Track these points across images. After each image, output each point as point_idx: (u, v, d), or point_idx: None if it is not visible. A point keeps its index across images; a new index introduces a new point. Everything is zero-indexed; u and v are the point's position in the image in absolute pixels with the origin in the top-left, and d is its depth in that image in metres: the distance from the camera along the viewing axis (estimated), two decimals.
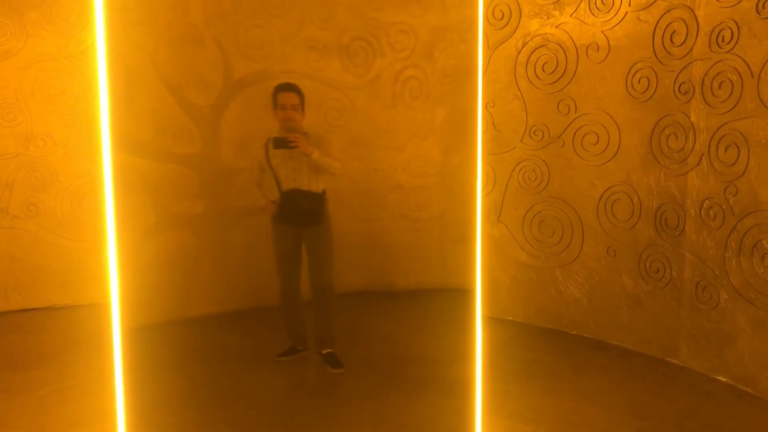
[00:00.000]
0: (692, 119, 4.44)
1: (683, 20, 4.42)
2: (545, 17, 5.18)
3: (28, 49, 5.57)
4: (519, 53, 5.33)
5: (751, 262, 4.09)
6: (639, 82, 4.74)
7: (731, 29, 4.14)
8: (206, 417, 3.74)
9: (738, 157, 4.14)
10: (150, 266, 5.14)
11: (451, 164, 6.36)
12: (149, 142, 5.18)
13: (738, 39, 4.10)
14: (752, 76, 4.03)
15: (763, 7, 3.93)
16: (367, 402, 3.95)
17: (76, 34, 5.69)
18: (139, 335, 4.71)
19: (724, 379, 4.32)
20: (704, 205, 4.40)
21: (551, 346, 5.03)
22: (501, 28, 5.38)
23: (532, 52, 5.28)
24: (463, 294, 5.79)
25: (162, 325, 5.09)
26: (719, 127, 4.26)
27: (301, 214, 4.35)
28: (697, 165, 4.43)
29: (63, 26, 5.65)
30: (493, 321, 5.46)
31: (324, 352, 4.50)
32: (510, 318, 5.58)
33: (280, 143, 4.20)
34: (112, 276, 2.04)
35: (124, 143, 5.06)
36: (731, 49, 4.15)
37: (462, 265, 5.76)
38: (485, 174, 5.55)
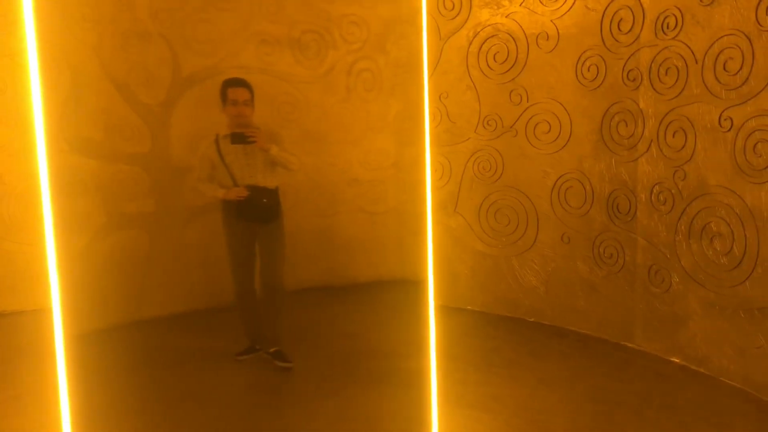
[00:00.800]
0: (641, 106, 4.50)
1: (629, 8, 4.48)
2: (495, 7, 5.19)
3: None
4: (471, 43, 5.34)
5: (701, 244, 4.18)
6: (588, 70, 4.79)
7: (675, 16, 4.20)
8: (162, 420, 3.67)
9: (685, 142, 4.22)
10: (102, 267, 5.03)
11: (406, 157, 6.35)
12: (98, 143, 5.05)
13: (682, 26, 4.17)
14: (696, 62, 4.11)
15: None
16: (326, 398, 3.93)
17: (17, 31, 5.49)
18: (91, 339, 4.63)
19: (677, 360, 4.41)
20: (654, 190, 4.47)
21: (510, 334, 5.07)
22: (452, 18, 5.38)
23: (484, 42, 5.29)
24: (420, 285, 5.82)
25: (116, 327, 4.99)
26: (667, 113, 4.33)
27: (259, 211, 4.25)
28: (647, 151, 4.50)
29: (2, 22, 5.44)
30: (451, 311, 5.48)
31: (272, 350, 4.46)
32: (469, 307, 5.60)
33: (238, 138, 4.07)
34: (53, 279, 1.97)
35: (72, 143, 4.93)
36: (676, 36, 4.21)
37: (418, 257, 5.78)
38: (441, 165, 5.56)
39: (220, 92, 4.22)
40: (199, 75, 5.44)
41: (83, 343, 4.43)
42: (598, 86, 4.75)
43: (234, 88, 4.18)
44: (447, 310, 5.45)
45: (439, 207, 5.59)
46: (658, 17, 4.32)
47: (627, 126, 4.61)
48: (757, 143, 3.77)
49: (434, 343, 3.04)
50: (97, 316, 4.86)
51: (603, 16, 4.64)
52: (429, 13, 5.92)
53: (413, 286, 5.98)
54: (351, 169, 6.31)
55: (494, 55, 5.26)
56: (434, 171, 5.54)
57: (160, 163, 5.27)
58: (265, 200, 4.24)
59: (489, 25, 5.26)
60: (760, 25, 3.71)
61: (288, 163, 4.29)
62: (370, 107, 6.31)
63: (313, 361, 4.50)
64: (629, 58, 4.54)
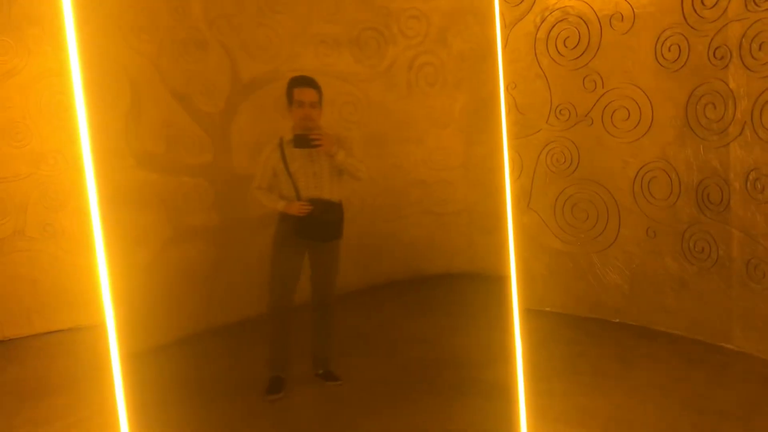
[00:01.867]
0: (731, 86, 4.12)
1: None
2: None
3: (32, 67, 5.41)
4: (538, 30, 5.04)
5: None
6: (669, 50, 4.43)
7: None
8: None
9: None
10: (170, 280, 4.98)
11: (474, 154, 6.11)
12: (160, 155, 4.99)
13: None
14: None
15: None
16: (403, 409, 3.73)
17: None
18: (163, 352, 4.58)
19: None
20: (750, 177, 4.09)
21: (594, 337, 4.76)
22: (517, 5, 5.09)
23: (552, 27, 4.98)
24: (497, 287, 5.58)
25: (187, 338, 4.94)
26: (762, 92, 3.94)
27: (323, 228, 3.91)
28: (740, 135, 4.12)
29: (65, 40, 5.49)
30: (529, 313, 5.19)
31: (321, 371, 4.21)
32: (547, 309, 5.31)
33: (302, 141, 3.77)
34: (105, 297, 1.87)
35: (138, 157, 4.89)
36: None
37: (494, 256, 5.54)
38: (511, 159, 5.28)
39: (286, 92, 3.92)
40: (259, 81, 5.33)
41: (143, 359, 4.39)
42: (681, 67, 4.38)
43: (301, 89, 3.86)
44: (524, 312, 5.14)
45: (512, 203, 5.32)
46: None
47: (716, 108, 4.23)
48: None
49: (521, 350, 2.80)
50: (167, 328, 4.82)
51: None
52: (492, 1, 5.66)
53: (487, 283, 5.76)
54: (415, 171, 6.11)
55: (564, 40, 4.95)
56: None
57: (223, 173, 5.19)
58: (330, 216, 3.91)
59: (557, 9, 4.95)
60: None
61: (356, 170, 3.95)
62: (433, 102, 6.10)
63: (387, 370, 4.32)
64: (716, 34, 4.16)
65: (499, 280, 5.68)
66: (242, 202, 5.20)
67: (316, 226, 3.89)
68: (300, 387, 4.13)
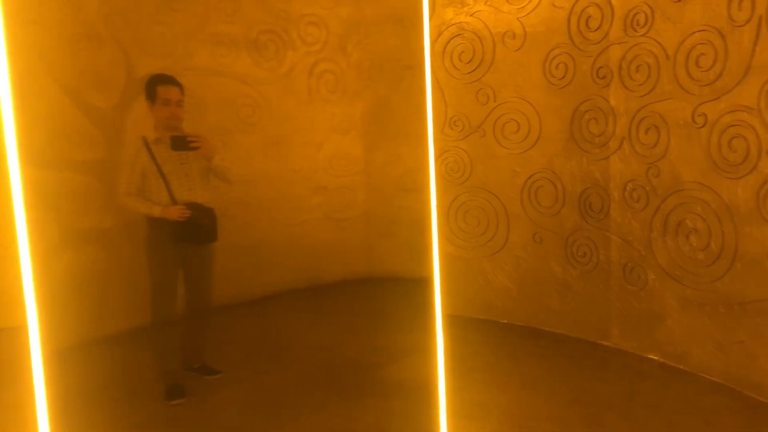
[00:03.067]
0: (612, 103, 4.48)
1: (598, 5, 4.46)
2: (460, 5, 5.11)
3: None
4: (435, 43, 5.24)
5: (677, 241, 4.18)
6: (557, 68, 4.75)
7: (645, 13, 4.19)
8: None
9: (658, 139, 4.22)
10: (58, 287, 4.71)
11: (375, 160, 6.23)
12: (44, 150, 4.72)
13: (653, 23, 4.16)
14: (668, 59, 4.10)
15: None
16: (308, 412, 3.76)
17: None
18: (52, 358, 4.33)
19: (656, 358, 4.40)
20: (627, 188, 4.46)
21: (485, 337, 4.99)
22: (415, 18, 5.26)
23: (449, 42, 5.20)
24: (392, 286, 5.70)
25: (77, 346, 4.69)
26: (639, 110, 4.32)
27: (200, 232, 3.83)
28: (619, 148, 4.49)
29: None
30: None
31: (197, 366, 4.23)
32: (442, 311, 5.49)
33: (180, 143, 3.66)
34: (28, 297, 1.78)
35: (24, 153, 4.59)
36: (646, 33, 4.21)
37: (390, 258, 5.66)
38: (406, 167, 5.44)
39: (147, 89, 3.78)
40: None
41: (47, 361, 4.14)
42: (567, 84, 4.71)
43: (166, 86, 3.76)
44: (419, 314, 5.33)
45: (409, 209, 5.48)
46: (627, 14, 4.30)
47: (598, 124, 4.59)
48: (732, 139, 3.78)
49: (442, 349, 2.93)
50: (59, 335, 4.56)
51: (570, 13, 4.61)
52: (394, 13, 5.82)
53: (382, 286, 5.90)
54: (316, 176, 6.14)
55: (459, 54, 5.18)
56: (403, 172, 5.43)
57: (116, 171, 4.97)
58: (207, 219, 3.85)
59: (453, 24, 5.17)
60: (733, 20, 3.71)
61: (228, 173, 3.97)
62: (333, 109, 6.17)
63: (290, 373, 4.32)
64: (599, 55, 4.51)
65: (395, 281, 5.84)
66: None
67: (194, 230, 3.80)
68: (202, 394, 4.06)
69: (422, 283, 5.42)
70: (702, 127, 3.96)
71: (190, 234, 3.80)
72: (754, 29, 3.61)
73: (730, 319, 3.90)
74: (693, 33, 3.94)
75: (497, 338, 4.95)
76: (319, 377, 4.28)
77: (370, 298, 5.91)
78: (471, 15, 5.08)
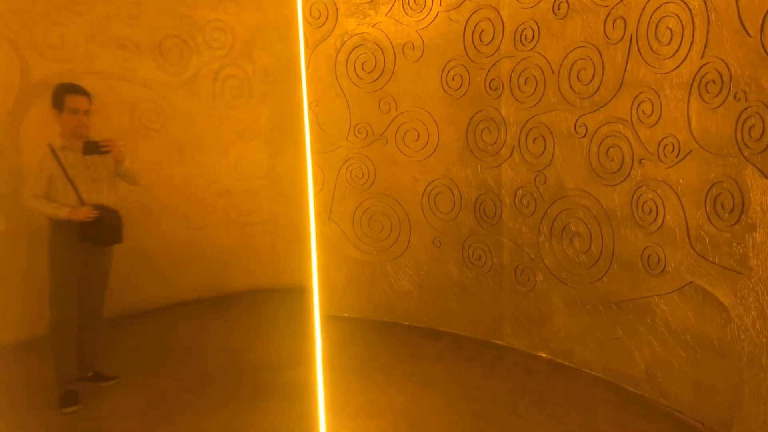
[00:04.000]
0: (503, 113, 4.72)
1: (490, 20, 4.68)
2: (361, 17, 5.25)
3: None
4: (338, 52, 5.36)
5: (562, 244, 4.44)
6: (453, 79, 4.95)
7: (533, 29, 4.45)
8: None
9: (545, 148, 4.48)
10: None
11: (279, 166, 6.28)
12: None
13: (539, 38, 4.42)
14: (553, 72, 4.37)
15: (559, 8, 4.26)
16: (204, 417, 3.78)
17: None
18: None
19: (544, 355, 4.65)
20: (518, 194, 4.70)
21: (387, 338, 5.12)
22: (319, 27, 5.37)
23: (351, 51, 5.33)
24: (297, 295, 5.77)
25: None
26: (527, 121, 4.57)
27: (106, 232, 3.95)
28: (510, 157, 4.72)
29: None
30: (330, 319, 5.46)
31: (90, 374, 4.24)
32: (346, 314, 5.61)
33: (92, 148, 3.85)
34: None
35: None
36: (533, 47, 4.46)
37: (297, 266, 5.73)
38: (314, 173, 5.53)
39: (54, 98, 3.91)
40: (52, 81, 5.02)
41: None
42: (463, 95, 4.92)
43: (74, 96, 3.91)
44: (325, 319, 5.42)
45: (315, 215, 5.56)
46: (516, 29, 4.55)
47: (491, 133, 4.81)
48: (609, 148, 4.06)
49: (320, 353, 3.02)
50: None
51: (465, 27, 4.82)
52: (296, 20, 5.89)
53: (290, 293, 5.94)
54: (220, 180, 6.14)
55: (362, 64, 5.31)
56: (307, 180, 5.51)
57: (11, 176, 4.84)
58: (113, 221, 3.98)
59: (356, 35, 5.30)
60: (608, 38, 4.00)
61: (136, 175, 4.25)
62: (238, 114, 6.18)
63: (188, 380, 4.32)
64: (491, 68, 4.74)
65: (302, 290, 5.90)
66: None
67: (100, 231, 3.92)
68: (96, 401, 4.01)
69: (329, 291, 5.54)
70: (583, 137, 4.23)
71: (95, 235, 3.91)
72: (626, 47, 3.90)
73: (608, 318, 4.19)
74: (574, 48, 4.22)
75: (399, 340, 5.09)
76: (218, 381, 4.31)
77: (276, 306, 5.94)
78: (372, 26, 5.22)
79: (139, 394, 4.11)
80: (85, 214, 3.83)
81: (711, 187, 3.43)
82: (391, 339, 5.12)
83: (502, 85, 4.68)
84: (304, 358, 4.64)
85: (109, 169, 4.04)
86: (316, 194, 5.56)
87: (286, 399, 3.97)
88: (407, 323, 5.41)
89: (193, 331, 5.34)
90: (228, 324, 5.51)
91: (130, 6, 5.55)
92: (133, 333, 5.23)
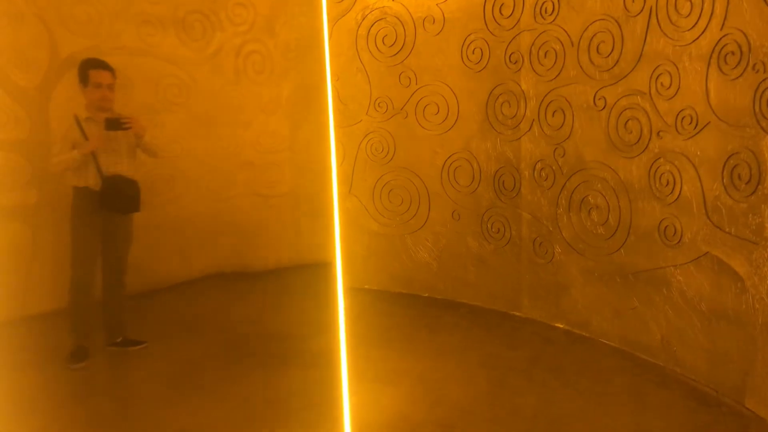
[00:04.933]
0: (523, 87, 4.75)
1: None
2: None
3: None
4: (359, 26, 5.40)
5: (580, 216, 4.49)
6: (473, 53, 4.98)
7: (552, 2, 4.46)
8: (59, 419, 3.54)
9: (564, 121, 4.51)
10: None
11: (300, 139, 6.35)
12: None
13: (559, 11, 4.43)
14: (572, 45, 4.39)
15: None
16: (232, 383, 3.91)
17: None
18: None
19: (561, 326, 4.72)
20: (537, 167, 4.75)
21: (406, 309, 5.22)
22: (340, 1, 5.41)
23: (372, 25, 5.36)
24: (320, 267, 5.88)
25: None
26: (546, 94, 4.60)
27: (124, 201, 4.15)
28: (529, 130, 4.76)
29: None
30: (351, 291, 5.55)
31: (119, 339, 4.41)
32: (366, 287, 5.71)
33: (114, 124, 4.04)
34: None
35: None
36: (554, 21, 4.47)
37: (317, 240, 5.83)
38: (335, 148, 5.60)
39: (80, 73, 4.13)
40: (79, 56, 5.10)
41: None
42: (483, 68, 4.95)
43: (97, 71, 4.11)
44: (346, 291, 5.48)
45: (336, 189, 5.64)
46: (536, 2, 4.56)
47: (510, 107, 4.85)
48: (627, 121, 4.09)
49: (344, 323, 3.12)
50: None
51: (485, 1, 4.84)
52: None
53: (313, 268, 6.05)
54: (243, 153, 6.22)
55: (383, 38, 5.35)
56: (329, 154, 5.59)
57: (41, 149, 4.98)
58: (131, 191, 4.18)
59: (376, 8, 5.33)
60: (627, 11, 4.01)
61: (156, 148, 4.40)
62: (261, 90, 6.25)
63: (214, 348, 4.46)
64: (511, 41, 4.76)
65: (324, 265, 6.01)
66: (62, 180, 5.05)
67: (118, 199, 4.12)
68: (125, 368, 4.18)
69: (350, 264, 5.63)
70: (602, 110, 4.26)
71: (114, 203, 4.11)
72: (646, 19, 3.91)
73: (624, 288, 4.24)
74: (594, 21, 4.23)
75: (418, 311, 5.19)
76: (243, 348, 4.44)
77: (298, 280, 6.04)
78: (393, 0, 5.25)
79: (166, 360, 4.26)
80: (94, 143, 4.01)
81: (728, 159, 3.46)
82: (410, 310, 5.21)
83: (522, 58, 4.71)
84: (326, 328, 4.75)
85: (129, 142, 4.22)
86: (337, 168, 5.64)
87: (310, 366, 4.09)
88: (426, 295, 5.50)
89: (219, 303, 5.48)
90: (252, 296, 5.64)
91: None
92: (159, 304, 5.38)
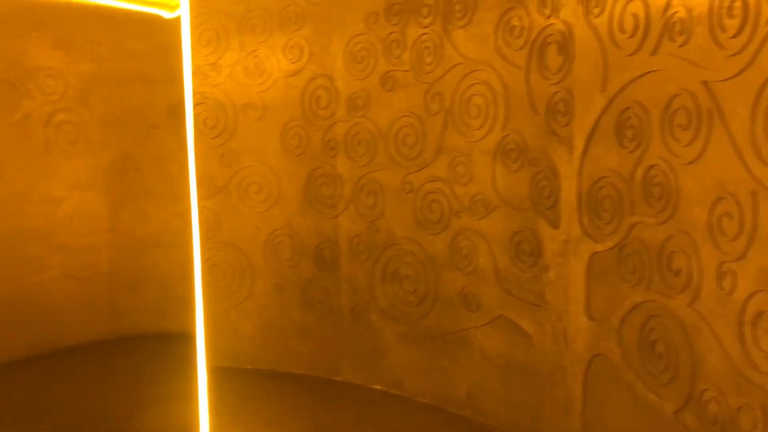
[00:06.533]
0: (339, 170, 5.25)
1: (325, 88, 5.22)
2: (203, 77, 5.55)
3: None
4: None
5: (393, 286, 5.02)
6: (293, 138, 5.40)
7: (363, 98, 5.05)
8: None
9: (376, 202, 5.06)
10: None
11: (120, 218, 6.28)
12: None
13: (369, 106, 5.03)
14: (382, 136, 4.98)
15: (386, 82, 4.90)
16: None
17: None
18: None
19: (380, 387, 5.16)
20: (354, 242, 5.23)
21: (232, 384, 5.32)
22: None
23: (193, 108, 5.58)
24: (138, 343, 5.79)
25: None
26: (361, 177, 5.13)
27: None
28: (346, 209, 5.25)
29: None
30: (173, 367, 5.56)
31: None
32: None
33: None
34: None
35: None
36: (365, 114, 5.06)
37: (138, 316, 5.76)
38: (160, 224, 5.67)
39: None
40: None
41: None
42: (302, 153, 5.39)
43: None
44: (165, 367, 5.52)
45: (157, 266, 5.69)
46: (349, 97, 5.12)
47: (329, 187, 5.31)
48: (431, 202, 4.73)
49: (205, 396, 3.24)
50: None
51: (303, 92, 5.31)
52: (142, 72, 6.07)
53: (133, 342, 5.94)
54: (56, 235, 6.01)
55: (204, 120, 5.59)
56: (152, 230, 5.64)
57: None
58: None
59: (197, 93, 5.57)
60: (428, 110, 4.70)
61: None
62: (75, 162, 6.12)
63: None
64: (328, 129, 5.26)
65: (147, 340, 5.92)
66: None
67: None
68: None
69: (173, 338, 5.64)
70: (409, 192, 4.87)
71: None
72: (443, 118, 4.61)
73: (434, 349, 4.81)
74: (400, 117, 4.87)
75: (243, 383, 5.32)
76: None
77: (116, 357, 5.91)
78: (214, 86, 5.55)
79: None
80: None
81: (514, 236, 4.19)
82: (236, 384, 5.32)
83: (339, 145, 5.22)
84: (147, 404, 4.76)
85: None
86: (158, 245, 5.70)
87: None
88: (250, 367, 5.65)
89: (28, 390, 5.20)
90: (67, 379, 5.42)
91: None
92: None
